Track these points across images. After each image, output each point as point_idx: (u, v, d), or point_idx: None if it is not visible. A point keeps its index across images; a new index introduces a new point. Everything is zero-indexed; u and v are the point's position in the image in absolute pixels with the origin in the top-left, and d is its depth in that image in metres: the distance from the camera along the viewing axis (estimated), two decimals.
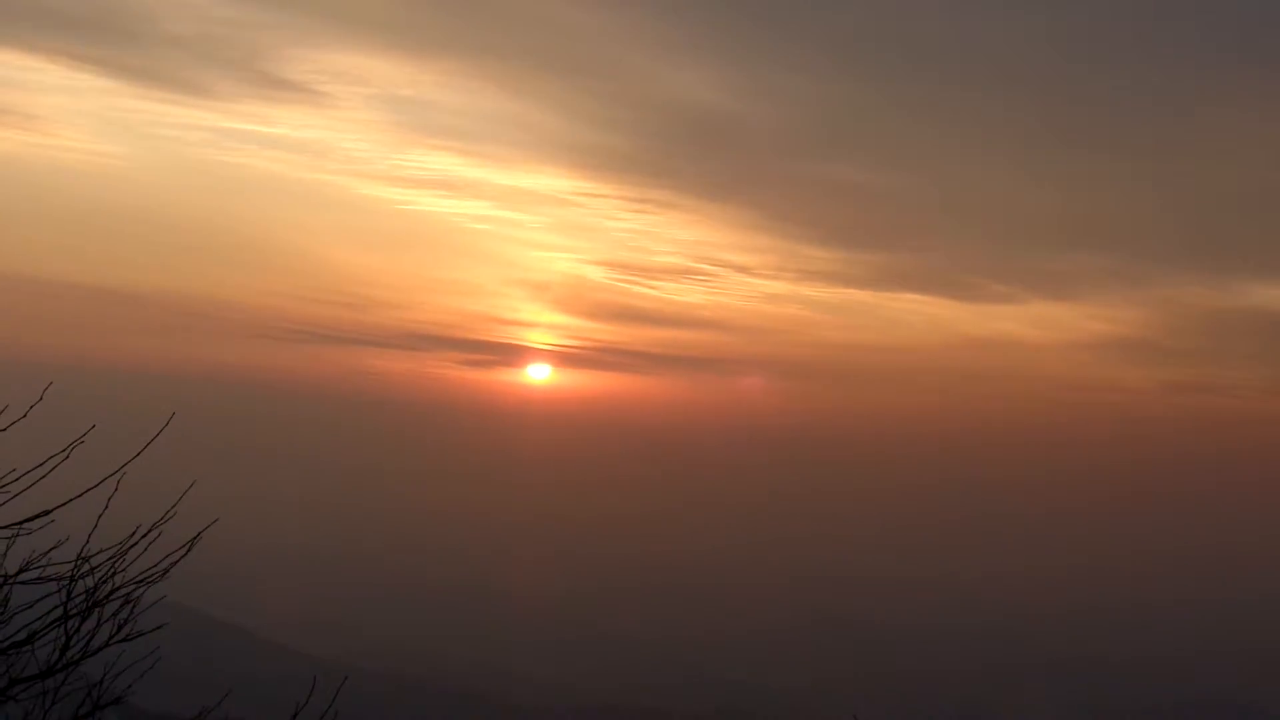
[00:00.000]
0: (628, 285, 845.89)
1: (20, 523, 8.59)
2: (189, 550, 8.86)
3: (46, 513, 8.68)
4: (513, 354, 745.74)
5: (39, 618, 8.59)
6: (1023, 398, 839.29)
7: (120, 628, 8.73)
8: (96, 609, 8.71)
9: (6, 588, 8.56)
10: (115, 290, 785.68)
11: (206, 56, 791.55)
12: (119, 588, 8.76)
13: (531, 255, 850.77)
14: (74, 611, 8.64)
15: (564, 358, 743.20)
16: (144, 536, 8.91)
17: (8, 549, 8.59)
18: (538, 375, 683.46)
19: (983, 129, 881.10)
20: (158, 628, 8.94)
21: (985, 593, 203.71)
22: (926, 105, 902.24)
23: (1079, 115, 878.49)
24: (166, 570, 8.81)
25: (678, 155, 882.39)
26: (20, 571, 8.60)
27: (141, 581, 8.81)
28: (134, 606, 8.80)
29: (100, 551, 8.83)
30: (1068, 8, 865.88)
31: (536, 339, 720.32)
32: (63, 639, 8.57)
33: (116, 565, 8.80)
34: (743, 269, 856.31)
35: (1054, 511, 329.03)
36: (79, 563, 8.72)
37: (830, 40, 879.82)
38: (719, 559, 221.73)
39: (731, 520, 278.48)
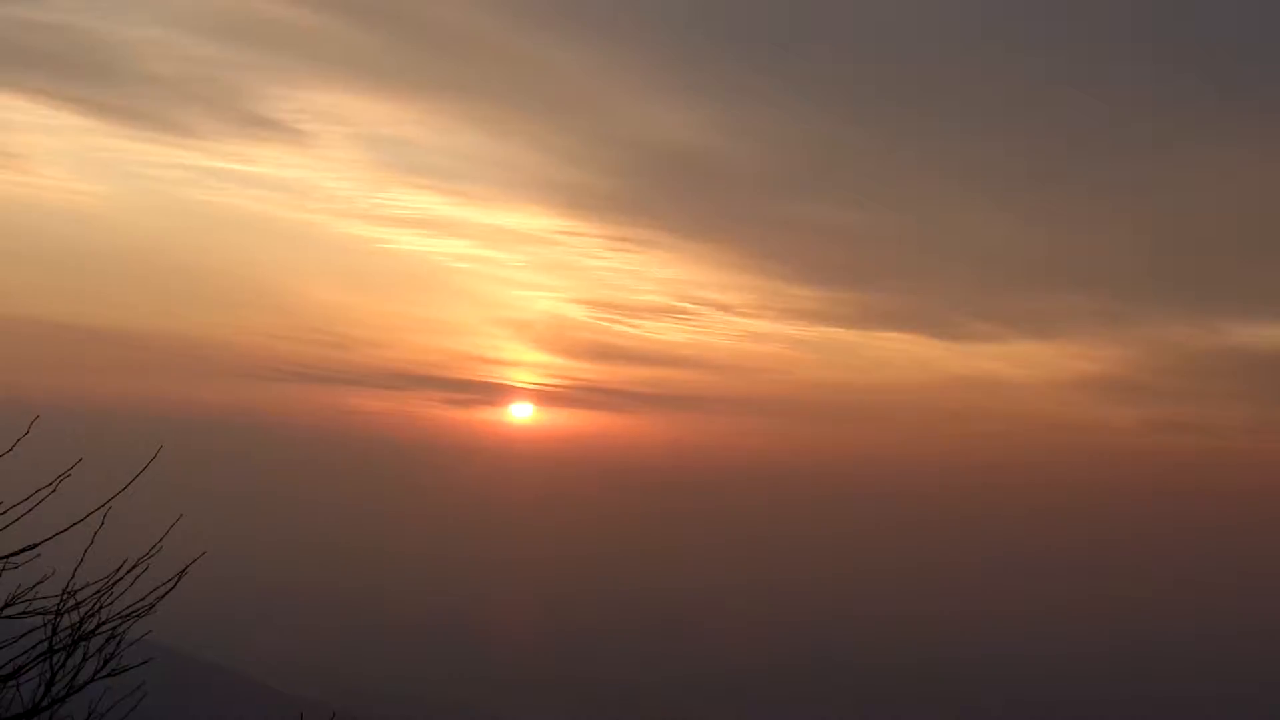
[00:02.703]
0: (609, 324, 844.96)
1: (6, 556, 8.54)
2: (175, 584, 8.82)
3: (32, 546, 8.63)
4: (495, 393, 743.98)
5: (24, 652, 8.53)
6: (1005, 436, 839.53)
7: (105, 663, 8.67)
8: (82, 644, 8.65)
9: None
10: (96, 329, 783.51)
11: (187, 95, 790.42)
12: (105, 622, 8.70)
13: (513, 294, 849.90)
14: (59, 646, 8.58)
15: (546, 396, 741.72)
16: (130, 571, 8.86)
17: None
18: (520, 414, 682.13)
19: (964, 168, 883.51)
20: (143, 663, 8.88)
21: (970, 631, 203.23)
22: (908, 144, 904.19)
23: (1061, 154, 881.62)
24: (153, 605, 8.77)
25: (659, 194, 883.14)
26: (5, 606, 8.55)
27: (127, 616, 8.75)
28: (119, 642, 8.74)
29: (86, 586, 8.78)
30: (1050, 48, 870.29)
31: (519, 378, 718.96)
32: (48, 674, 8.52)
33: (102, 600, 8.75)
34: (725, 307, 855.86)
35: (1037, 550, 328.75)
36: (64, 597, 8.66)
37: (812, 79, 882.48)
38: (703, 598, 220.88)
39: (715, 560, 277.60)
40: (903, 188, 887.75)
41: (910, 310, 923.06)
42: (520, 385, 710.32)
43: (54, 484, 8.62)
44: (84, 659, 8.70)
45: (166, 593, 8.82)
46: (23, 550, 8.60)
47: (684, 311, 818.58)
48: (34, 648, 8.56)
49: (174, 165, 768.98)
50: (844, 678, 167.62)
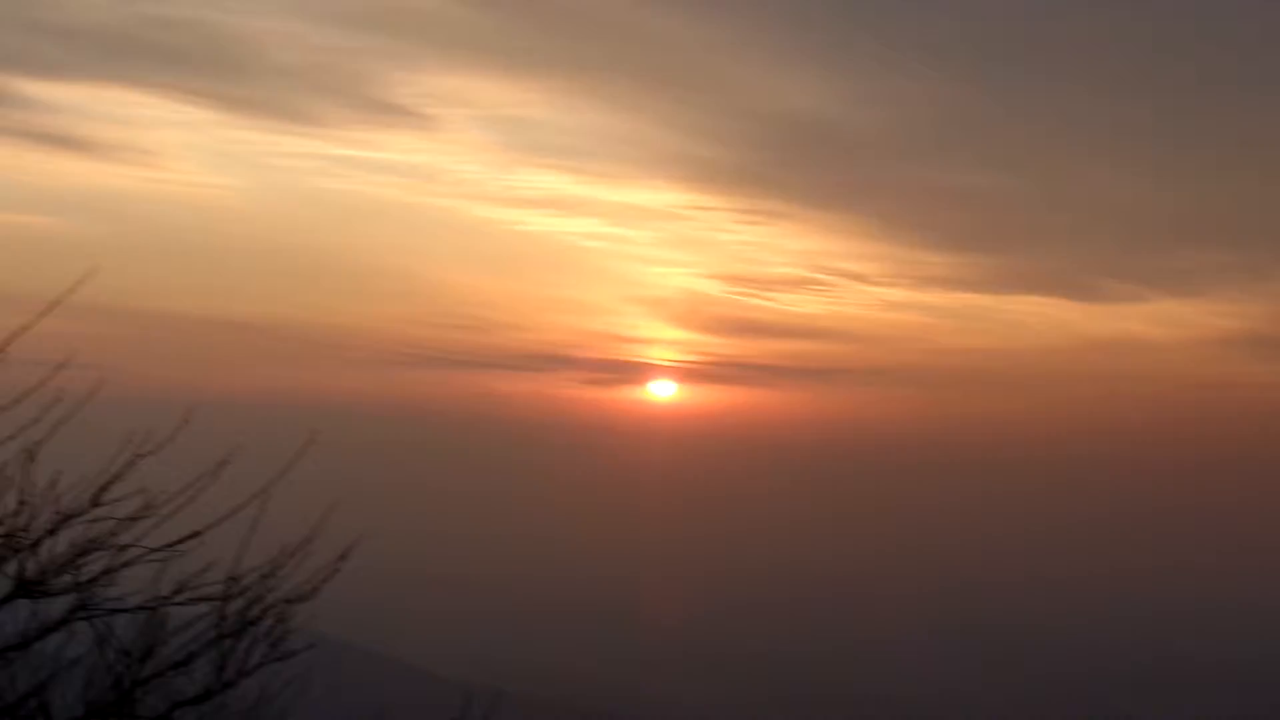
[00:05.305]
0: (744, 298, 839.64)
1: (173, 545, 8.67)
2: (338, 568, 8.89)
3: (197, 534, 8.75)
4: (634, 371, 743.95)
5: (194, 638, 8.66)
6: (1148, 397, 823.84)
7: (273, 647, 8.78)
8: (249, 629, 8.76)
9: (162, 609, 8.64)
10: (237, 321, 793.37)
11: (314, 85, 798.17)
12: (270, 608, 8.80)
13: (646, 271, 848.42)
14: (227, 632, 8.70)
15: (685, 373, 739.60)
16: (291, 557, 8.96)
17: (162, 572, 8.67)
18: (660, 391, 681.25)
19: (1094, 126, 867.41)
20: (309, 646, 8.96)
21: (1116, 593, 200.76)
22: (1036, 105, 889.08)
23: (1193, 109, 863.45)
24: (317, 588, 8.85)
25: (786, 165, 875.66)
26: (175, 593, 8.67)
27: (291, 600, 8.84)
28: (285, 626, 8.83)
29: (249, 573, 8.89)
30: (1179, 3, 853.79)
31: (657, 355, 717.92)
32: (218, 659, 8.64)
33: (266, 586, 8.85)
34: (859, 277, 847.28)
35: (1185, 510, 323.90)
36: (229, 583, 8.78)
37: (935, 43, 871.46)
38: (848, 570, 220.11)
39: (859, 530, 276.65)
40: (1033, 150, 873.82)
41: (1046, 273, 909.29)
42: (659, 363, 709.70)
43: (215, 471, 8.73)
44: (251, 644, 8.81)
45: (329, 577, 8.91)
46: (188, 538, 8.73)
47: (818, 282, 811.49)
48: (203, 634, 8.69)
49: (303, 155, 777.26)
50: (989, 641, 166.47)
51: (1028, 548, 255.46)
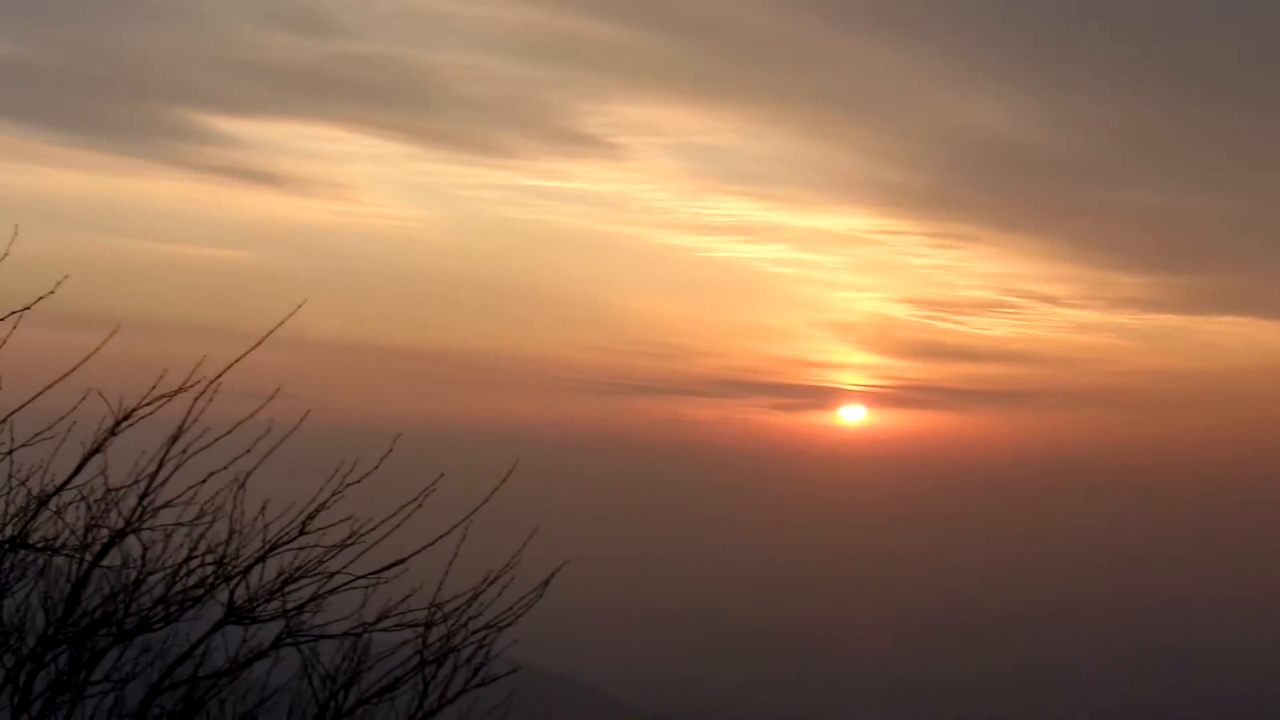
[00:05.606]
0: (934, 322, 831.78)
1: (377, 571, 8.81)
2: (540, 595, 8.95)
3: (401, 561, 8.88)
4: (824, 396, 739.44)
5: (399, 665, 8.80)
6: None
7: (475, 672, 8.86)
8: (451, 655, 8.86)
9: (367, 636, 8.79)
10: (432, 351, 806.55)
11: (502, 116, 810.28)
12: (473, 633, 8.89)
13: (834, 296, 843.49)
14: (430, 659, 8.81)
15: (875, 397, 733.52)
16: (492, 583, 9.04)
17: (366, 599, 8.82)
18: (850, 416, 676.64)
19: None
20: (511, 671, 9.02)
21: None
22: (1226, 122, 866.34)
23: None
24: (520, 615, 8.92)
25: (975, 187, 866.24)
26: (379, 619, 8.80)
27: (494, 627, 8.92)
28: (487, 652, 8.91)
29: (452, 599, 9.00)
30: None
31: (846, 380, 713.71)
32: (421, 686, 8.75)
33: (469, 611, 8.95)
34: (1050, 299, 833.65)
35: None
36: (432, 610, 8.89)
37: (1123, 64, 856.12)
38: (1040, 592, 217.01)
39: (1052, 552, 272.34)
40: (1222, 169, 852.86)
41: (1241, 292, 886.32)
42: (848, 387, 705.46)
43: (420, 497, 8.84)
44: (454, 670, 8.91)
45: (532, 604, 8.97)
46: (392, 565, 8.87)
47: (1009, 305, 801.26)
48: (407, 660, 8.81)
49: (493, 186, 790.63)
50: (1181, 661, 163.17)
51: (1220, 567, 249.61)
